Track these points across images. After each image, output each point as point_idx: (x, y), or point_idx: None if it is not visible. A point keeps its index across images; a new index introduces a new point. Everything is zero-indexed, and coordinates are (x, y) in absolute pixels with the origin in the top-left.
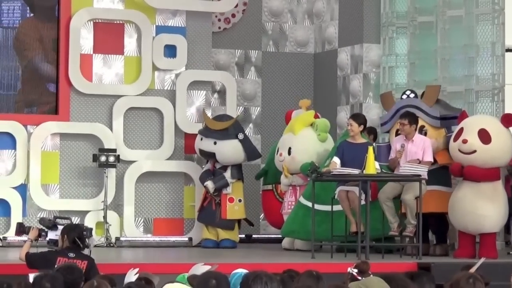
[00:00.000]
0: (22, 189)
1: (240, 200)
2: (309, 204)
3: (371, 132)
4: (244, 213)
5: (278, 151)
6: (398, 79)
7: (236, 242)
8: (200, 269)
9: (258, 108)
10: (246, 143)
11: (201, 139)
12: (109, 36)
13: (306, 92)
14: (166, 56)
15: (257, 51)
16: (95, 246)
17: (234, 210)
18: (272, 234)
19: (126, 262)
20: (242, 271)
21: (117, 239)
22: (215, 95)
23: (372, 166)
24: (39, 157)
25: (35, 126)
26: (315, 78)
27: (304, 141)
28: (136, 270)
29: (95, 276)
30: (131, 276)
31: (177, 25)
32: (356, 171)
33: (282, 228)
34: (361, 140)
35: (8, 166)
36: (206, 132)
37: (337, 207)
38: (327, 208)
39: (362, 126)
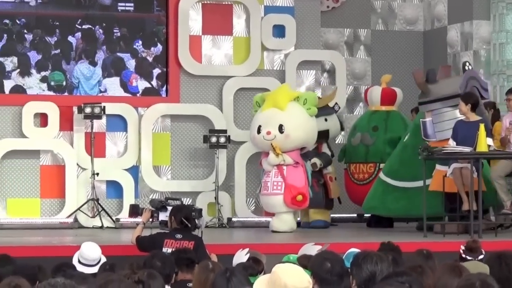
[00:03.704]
0: (134, 171)
1: (335, 178)
2: (389, 180)
3: None
4: (339, 191)
5: (260, 128)
6: (509, 56)
7: (328, 222)
8: (312, 249)
9: (368, 87)
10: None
11: None
12: (217, 17)
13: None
14: (275, 36)
15: (366, 29)
16: (207, 226)
17: (336, 188)
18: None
19: (237, 243)
20: (356, 250)
21: (229, 219)
22: (325, 74)
23: (484, 144)
24: (150, 139)
25: (145, 108)
26: (425, 56)
27: (296, 117)
28: (246, 250)
29: (203, 255)
30: (242, 257)
31: (286, 5)
32: (467, 149)
33: (363, 205)
34: (474, 118)
35: (120, 148)
36: None
37: (416, 184)
38: (406, 184)
39: (469, 105)
